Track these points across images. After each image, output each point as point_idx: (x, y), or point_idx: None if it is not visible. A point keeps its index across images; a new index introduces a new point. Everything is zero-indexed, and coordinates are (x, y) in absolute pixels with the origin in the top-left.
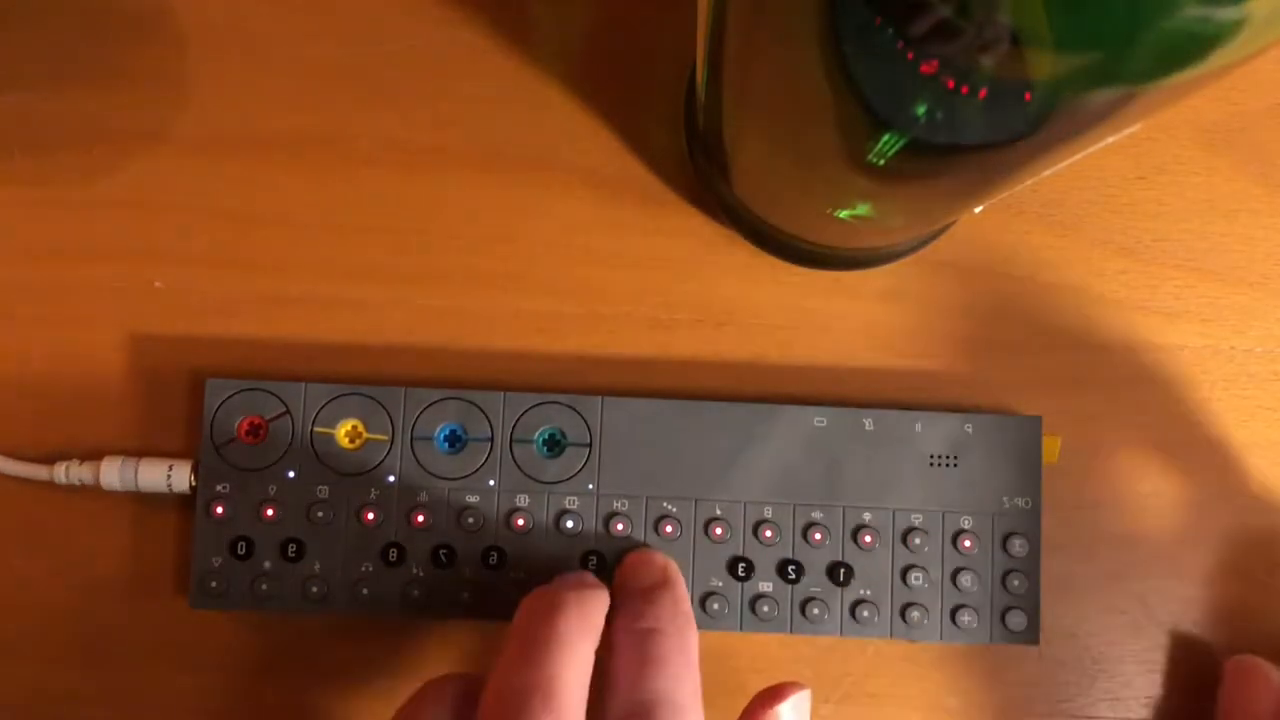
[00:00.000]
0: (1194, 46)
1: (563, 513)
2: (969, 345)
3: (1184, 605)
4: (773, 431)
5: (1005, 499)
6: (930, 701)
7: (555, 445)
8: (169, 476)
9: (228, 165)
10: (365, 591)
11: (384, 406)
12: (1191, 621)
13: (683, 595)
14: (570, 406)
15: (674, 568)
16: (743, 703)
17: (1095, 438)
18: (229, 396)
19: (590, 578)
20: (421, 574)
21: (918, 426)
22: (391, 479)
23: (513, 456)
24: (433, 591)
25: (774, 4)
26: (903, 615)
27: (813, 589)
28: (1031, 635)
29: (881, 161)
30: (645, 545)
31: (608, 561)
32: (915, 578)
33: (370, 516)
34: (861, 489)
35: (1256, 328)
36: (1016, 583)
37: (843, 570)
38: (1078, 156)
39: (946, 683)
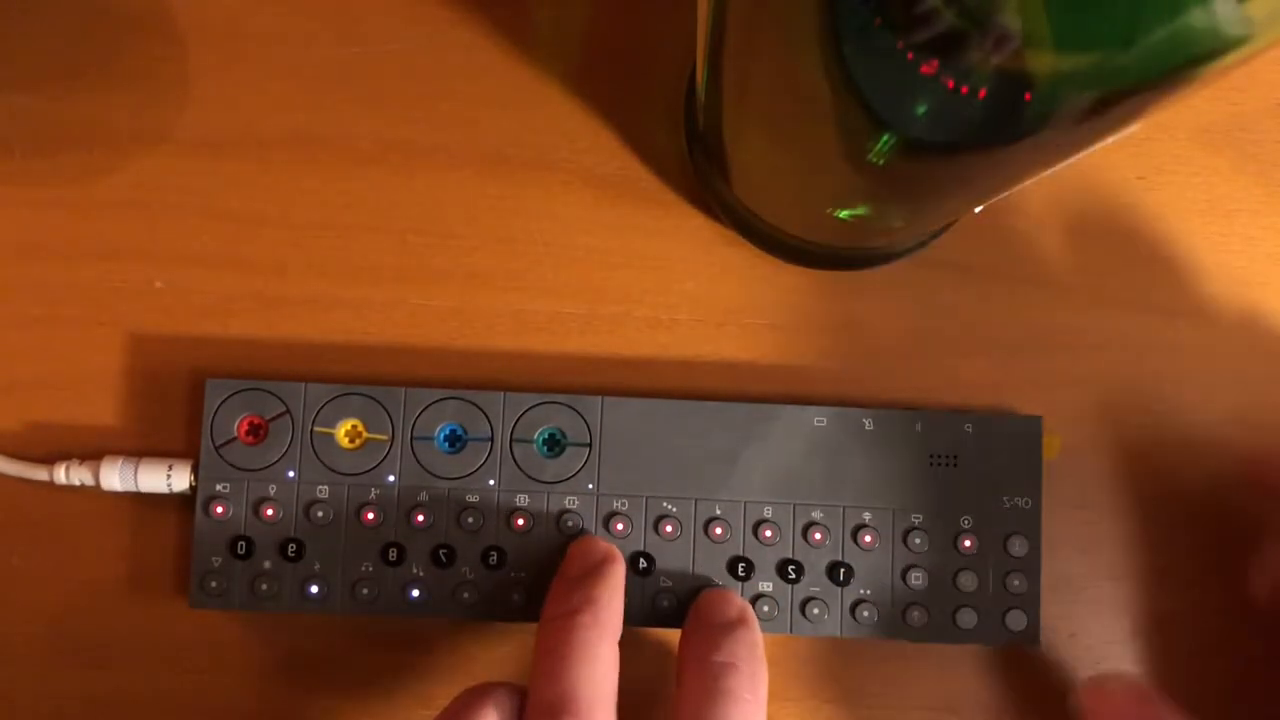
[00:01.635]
0: (1194, 47)
1: (563, 513)
2: (969, 345)
3: (1183, 605)
4: (773, 431)
5: (1005, 499)
6: (930, 701)
7: (555, 445)
8: (169, 476)
9: (228, 165)
10: (365, 591)
11: (384, 406)
12: (1191, 622)
13: (759, 639)
14: (570, 406)
15: (751, 611)
16: None
17: (1095, 438)
18: (229, 396)
19: (599, 550)
20: (421, 574)
21: (918, 426)
22: (391, 479)
23: (513, 456)
24: (433, 591)
25: (774, 4)
26: (903, 615)
27: (813, 589)
28: (1031, 635)
29: (881, 161)
30: (718, 585)
31: None
32: (915, 578)
33: (370, 516)
34: (861, 489)
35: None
36: (1016, 583)
37: (843, 570)
38: (1077, 156)
39: (946, 683)
